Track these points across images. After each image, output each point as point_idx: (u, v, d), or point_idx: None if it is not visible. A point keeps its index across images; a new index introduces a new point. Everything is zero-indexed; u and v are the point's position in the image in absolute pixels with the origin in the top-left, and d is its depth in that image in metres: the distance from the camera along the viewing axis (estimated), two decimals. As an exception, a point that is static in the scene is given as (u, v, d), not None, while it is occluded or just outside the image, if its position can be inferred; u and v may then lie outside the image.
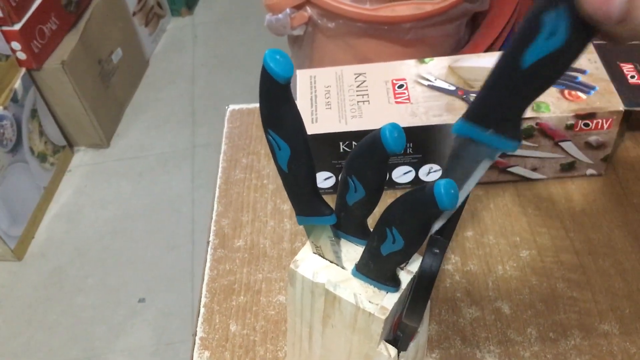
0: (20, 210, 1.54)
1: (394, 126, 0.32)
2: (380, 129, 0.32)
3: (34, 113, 1.57)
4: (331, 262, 0.40)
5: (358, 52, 1.06)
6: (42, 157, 1.63)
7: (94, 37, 1.73)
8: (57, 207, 1.68)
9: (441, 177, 0.32)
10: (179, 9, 2.21)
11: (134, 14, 1.95)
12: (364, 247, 0.39)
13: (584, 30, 0.26)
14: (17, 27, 1.46)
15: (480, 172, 0.33)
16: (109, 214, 1.66)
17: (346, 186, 0.36)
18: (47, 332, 1.42)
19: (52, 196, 1.68)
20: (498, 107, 0.31)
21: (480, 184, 0.61)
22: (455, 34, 1.08)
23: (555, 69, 0.28)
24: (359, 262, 0.38)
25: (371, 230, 0.39)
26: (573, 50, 0.27)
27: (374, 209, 0.37)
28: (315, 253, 0.41)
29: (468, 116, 0.32)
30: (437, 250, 0.32)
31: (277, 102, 0.32)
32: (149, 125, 1.89)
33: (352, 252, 0.40)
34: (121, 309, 1.45)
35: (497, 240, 0.57)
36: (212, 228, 0.60)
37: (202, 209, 1.65)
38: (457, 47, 1.10)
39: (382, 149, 0.32)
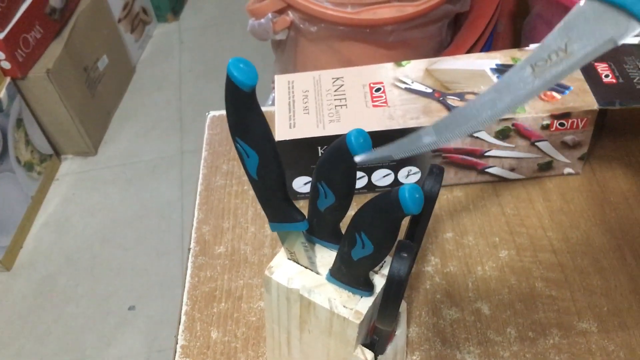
0: (8, 219, 1.54)
1: (359, 132, 0.32)
2: (345, 135, 0.32)
3: (19, 122, 1.57)
4: (305, 267, 0.40)
5: (341, 56, 1.07)
6: (28, 166, 1.62)
7: (79, 45, 1.73)
8: (45, 216, 1.67)
9: (524, 59, 0.28)
10: (164, 14, 2.21)
11: (119, 20, 1.95)
12: (336, 250, 0.39)
13: None
14: (0, 36, 1.45)
15: (589, 56, 0.27)
16: (98, 222, 1.66)
17: (316, 192, 0.36)
18: (38, 342, 1.41)
19: (39, 205, 1.68)
20: None
21: (458, 185, 0.61)
22: (438, 35, 1.09)
23: None
24: (332, 267, 0.38)
25: (341, 232, 0.39)
26: None
27: (345, 214, 0.37)
28: (289, 259, 0.41)
29: None
30: (405, 255, 0.33)
31: (243, 110, 0.32)
32: (137, 132, 1.89)
33: (327, 257, 0.41)
34: (111, 317, 1.45)
35: (477, 241, 0.57)
36: (193, 235, 0.60)
37: (191, 216, 1.64)
38: (440, 49, 1.11)
39: (349, 155, 0.32)
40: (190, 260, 0.58)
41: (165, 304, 1.46)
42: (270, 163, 0.34)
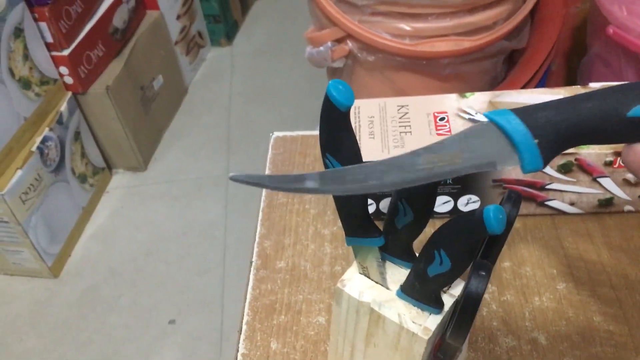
0: (59, 228, 1.59)
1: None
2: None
3: (77, 135, 1.63)
4: (376, 282, 0.42)
5: (396, 85, 1.09)
6: (82, 178, 1.68)
7: (138, 64, 1.79)
8: (93, 227, 1.72)
9: (424, 148, 0.31)
10: (218, 39, 2.28)
11: (176, 43, 2.02)
12: (408, 269, 0.41)
13: None
14: (66, 52, 1.52)
15: (472, 169, 0.30)
16: (143, 236, 1.70)
17: (396, 209, 0.38)
18: (79, 350, 1.45)
19: (89, 216, 1.73)
20: None
21: (518, 215, 0.62)
22: (492, 70, 1.10)
23: None
24: (404, 283, 0.40)
25: (416, 253, 0.41)
26: None
27: (420, 233, 0.39)
28: (361, 273, 0.43)
29: (519, 111, 0.30)
30: (484, 273, 0.34)
31: (336, 128, 0.34)
32: (186, 150, 1.94)
33: (397, 274, 0.42)
34: (152, 330, 1.47)
35: (534, 272, 0.58)
36: (255, 249, 0.62)
37: (234, 235, 1.68)
38: (494, 84, 1.12)
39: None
40: (252, 272, 0.60)
41: (204, 320, 1.48)
42: (356, 179, 0.36)
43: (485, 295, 0.56)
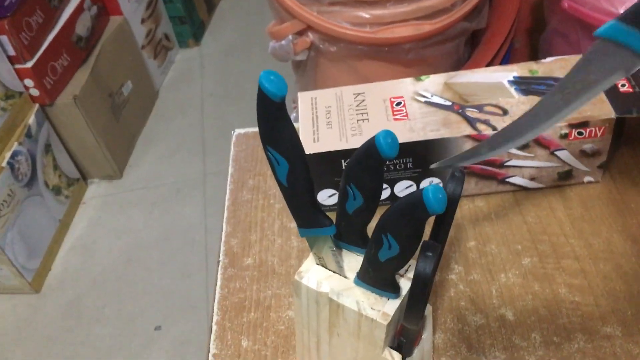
0: (37, 243, 1.57)
1: (387, 132, 0.34)
2: (374, 136, 0.34)
3: (47, 147, 1.61)
4: (334, 272, 0.42)
5: (360, 74, 1.09)
6: (56, 190, 1.66)
7: (105, 71, 1.78)
8: (72, 239, 1.70)
9: (556, 84, 0.32)
10: (186, 40, 2.26)
11: (143, 47, 2.00)
12: (363, 254, 0.40)
13: None
14: (29, 64, 1.50)
15: (605, 85, 0.31)
16: (124, 244, 1.69)
17: (345, 195, 0.38)
18: (66, 363, 1.44)
19: (67, 228, 1.71)
20: None
21: (480, 194, 0.63)
22: (455, 52, 1.10)
23: None
24: (359, 270, 0.40)
25: (368, 236, 0.41)
26: None
27: (372, 216, 0.39)
28: (318, 264, 0.43)
29: (625, 18, 0.29)
30: (430, 254, 0.34)
31: (273, 119, 0.34)
32: (160, 155, 1.93)
33: (354, 261, 0.42)
34: (138, 338, 1.47)
35: (499, 249, 0.58)
36: (222, 248, 0.62)
37: (215, 237, 1.67)
38: (457, 65, 1.12)
39: (377, 155, 0.34)
40: (219, 272, 0.60)
41: (190, 324, 1.48)
42: (299, 170, 0.36)
43: (452, 276, 0.56)
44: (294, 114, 1.33)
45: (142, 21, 1.98)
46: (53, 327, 1.51)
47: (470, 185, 0.62)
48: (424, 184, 0.61)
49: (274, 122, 0.34)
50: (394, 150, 0.33)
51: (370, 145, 0.33)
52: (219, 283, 0.59)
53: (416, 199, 0.31)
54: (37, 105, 1.57)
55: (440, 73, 1.07)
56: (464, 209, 0.62)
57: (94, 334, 1.49)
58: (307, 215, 0.39)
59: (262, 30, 1.19)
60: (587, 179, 0.62)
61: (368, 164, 0.35)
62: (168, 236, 1.70)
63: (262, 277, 0.59)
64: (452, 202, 0.36)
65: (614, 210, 0.59)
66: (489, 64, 1.09)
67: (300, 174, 0.36)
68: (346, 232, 0.41)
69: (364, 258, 0.39)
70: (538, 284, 0.55)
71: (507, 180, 0.61)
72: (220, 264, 0.61)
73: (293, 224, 0.63)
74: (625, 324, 0.51)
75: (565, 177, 0.61)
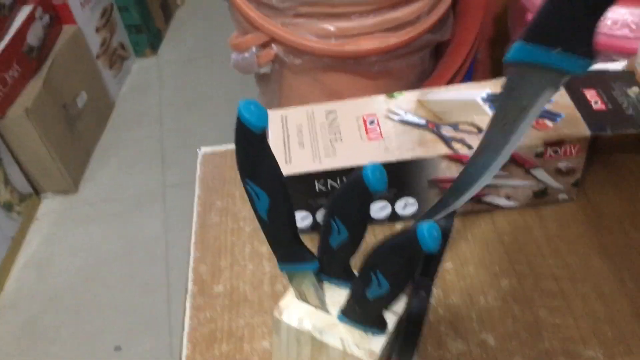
0: (-12, 262, 1.50)
1: (376, 167, 0.32)
2: (361, 169, 0.32)
3: (-2, 162, 1.54)
4: (315, 307, 0.40)
5: (326, 87, 1.07)
6: (8, 207, 1.59)
7: (58, 82, 1.72)
8: (26, 257, 1.64)
9: (491, 121, 0.30)
10: (142, 49, 2.21)
11: (98, 56, 1.95)
12: (347, 289, 0.38)
13: None
14: (-22, 76, 1.44)
15: (539, 107, 0.29)
16: (81, 261, 1.63)
17: (329, 229, 0.35)
18: (21, 388, 1.37)
19: (20, 246, 1.65)
20: (567, 19, 0.26)
21: (456, 215, 0.61)
22: (420, 64, 1.10)
23: None
24: (344, 306, 0.38)
25: (354, 272, 0.39)
26: None
27: (356, 250, 0.37)
28: (298, 299, 0.40)
29: (528, 37, 0.27)
30: (424, 293, 0.32)
31: (253, 151, 0.32)
32: (118, 167, 1.87)
33: (336, 295, 0.40)
34: (97, 358, 1.41)
35: (477, 271, 0.57)
36: (190, 275, 0.59)
37: (176, 251, 1.63)
38: (423, 77, 1.12)
39: (365, 190, 0.32)
40: (188, 301, 0.57)
41: (151, 343, 1.43)
42: (281, 204, 0.34)
43: (431, 300, 0.55)
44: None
45: (97, 30, 1.93)
46: (7, 348, 1.44)
47: (446, 204, 0.61)
48: (399, 204, 0.60)
49: (255, 155, 0.32)
50: (383, 185, 0.31)
51: (358, 180, 0.32)
52: (187, 313, 0.56)
53: (410, 237, 0.29)
54: (-14, 119, 1.50)
55: (406, 85, 1.06)
56: (440, 229, 0.60)
57: (51, 354, 1.43)
58: (289, 250, 0.36)
59: (222, 38, 1.16)
60: (561, 197, 0.61)
61: (355, 199, 0.33)
62: (127, 251, 1.65)
63: (233, 305, 0.56)
64: (444, 237, 0.35)
65: (590, 228, 0.59)
66: (454, 75, 1.09)
67: (282, 208, 0.34)
68: (328, 266, 0.39)
69: (349, 294, 0.37)
70: (518, 306, 0.54)
71: (483, 199, 0.60)
72: (189, 292, 0.58)
73: (264, 248, 0.61)
74: (606, 346, 0.51)
75: (540, 196, 0.61)
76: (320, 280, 0.40)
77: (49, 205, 1.77)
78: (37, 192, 1.75)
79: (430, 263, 0.36)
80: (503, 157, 0.31)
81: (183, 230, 1.74)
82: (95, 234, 1.69)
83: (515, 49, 0.28)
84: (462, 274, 0.57)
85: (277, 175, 0.33)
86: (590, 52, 0.26)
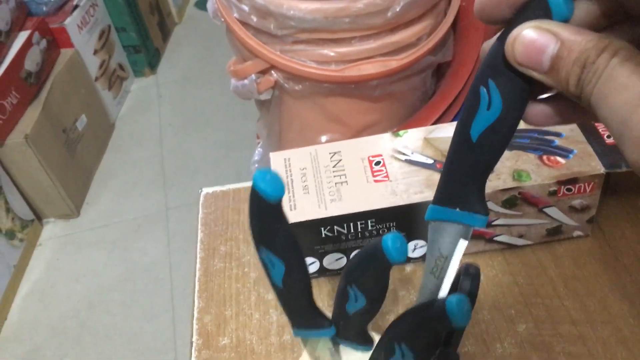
0: (-10, 293, 1.49)
1: (396, 236, 0.31)
2: (381, 239, 0.31)
3: (-2, 191, 1.53)
4: (330, 373, 0.38)
5: (327, 112, 1.05)
6: (10, 235, 1.58)
7: (57, 107, 1.70)
8: (28, 285, 1.62)
9: (423, 275, 0.33)
10: (141, 69, 2.20)
11: (96, 79, 1.93)
12: (364, 352, 0.37)
13: (518, 95, 0.28)
14: (-24, 105, 1.42)
15: (458, 255, 0.34)
16: (84, 288, 1.61)
17: (346, 296, 0.34)
18: (26, 422, 1.35)
19: (22, 274, 1.63)
20: (459, 185, 0.32)
21: (466, 254, 0.59)
22: (422, 85, 1.08)
23: (501, 138, 0.29)
24: None
25: (371, 335, 0.37)
26: (513, 115, 0.29)
27: (374, 317, 0.35)
28: (311, 366, 0.39)
29: (436, 200, 0.33)
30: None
31: (269, 220, 0.30)
32: (119, 190, 1.86)
33: (352, 358, 0.38)
34: (103, 389, 1.40)
35: (492, 316, 0.55)
36: (195, 326, 0.57)
37: (180, 274, 1.61)
38: (425, 99, 1.10)
39: (385, 260, 0.31)
40: (193, 355, 0.55)
41: (158, 370, 1.42)
42: (297, 271, 0.32)
43: None
44: (259, 150, 1.29)
45: (95, 52, 1.91)
46: (11, 382, 1.43)
47: (457, 245, 0.59)
48: (409, 246, 0.58)
49: (270, 224, 0.30)
50: (403, 256, 0.30)
51: (377, 250, 0.30)
52: (193, 368, 0.54)
53: (439, 311, 0.28)
54: (-15, 147, 1.49)
55: (408, 107, 1.05)
56: (451, 270, 0.58)
57: (56, 386, 1.41)
58: (305, 316, 0.35)
59: (220, 56, 1.15)
60: (576, 233, 0.59)
61: (373, 268, 0.31)
62: (130, 276, 1.63)
63: (240, 358, 0.55)
64: (472, 301, 0.33)
65: (607, 267, 0.57)
66: (457, 96, 1.07)
67: (297, 275, 0.33)
68: (344, 330, 0.37)
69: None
70: (536, 353, 0.52)
71: (495, 239, 0.58)
72: (194, 345, 0.56)
73: (270, 296, 0.59)
74: (629, 396, 0.49)
75: (554, 233, 0.59)
76: (336, 344, 0.38)
77: (52, 231, 1.75)
78: (39, 218, 1.74)
79: (453, 332, 0.34)
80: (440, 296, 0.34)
81: (187, 254, 1.73)
82: (98, 259, 1.68)
83: (429, 210, 0.33)
84: (477, 319, 0.55)
85: (292, 243, 0.32)
86: (483, 209, 0.32)
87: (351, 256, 0.57)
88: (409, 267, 0.59)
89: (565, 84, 0.25)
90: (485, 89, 0.28)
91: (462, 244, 0.33)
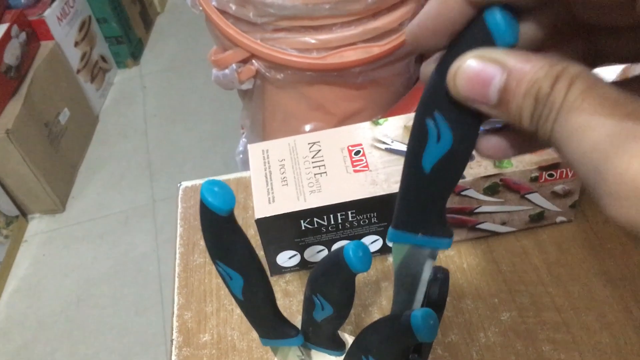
0: (-24, 291, 1.47)
1: (358, 245, 0.29)
2: (342, 249, 0.29)
3: (-19, 188, 1.51)
4: (303, 377, 0.37)
5: (310, 100, 1.04)
6: (-6, 232, 1.56)
7: (39, 101, 1.68)
8: (15, 281, 1.61)
9: (394, 288, 0.32)
10: (124, 60, 2.17)
11: (78, 71, 1.91)
12: (336, 356, 0.36)
13: (469, 126, 0.26)
14: (-46, 101, 1.40)
15: (426, 271, 0.33)
16: (72, 283, 1.60)
17: (312, 304, 0.33)
18: (17, 419, 1.34)
19: (9, 270, 1.61)
20: (417, 212, 0.30)
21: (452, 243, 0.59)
22: (406, 71, 1.07)
23: (456, 167, 0.28)
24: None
25: (342, 339, 0.36)
26: (465, 146, 0.27)
27: (343, 322, 0.34)
28: (285, 369, 0.38)
29: (396, 225, 0.31)
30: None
31: (221, 234, 0.29)
32: (105, 183, 1.84)
33: (325, 361, 0.37)
34: (93, 384, 1.39)
35: (476, 305, 0.54)
36: (175, 324, 0.56)
37: (168, 266, 1.60)
38: (409, 85, 1.09)
39: (347, 269, 0.29)
40: (174, 353, 0.54)
41: (149, 364, 1.41)
42: (256, 283, 0.31)
43: None
44: (243, 140, 1.27)
45: (76, 44, 1.88)
46: (0, 380, 1.42)
47: (439, 233, 0.58)
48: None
49: (223, 237, 0.29)
50: (366, 265, 0.29)
51: (339, 259, 0.29)
52: (174, 366, 0.53)
53: (404, 325, 0.27)
54: (-35, 144, 1.47)
55: (392, 94, 1.03)
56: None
57: (46, 383, 1.40)
58: (270, 326, 0.34)
59: (204, 44, 1.13)
60: (559, 219, 0.58)
61: (337, 278, 0.30)
62: (119, 270, 1.62)
63: (221, 355, 0.54)
64: (440, 310, 0.32)
65: (590, 252, 0.56)
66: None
67: (258, 287, 0.31)
68: (314, 336, 0.36)
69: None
70: (520, 342, 0.51)
71: (478, 227, 0.58)
72: (174, 343, 0.55)
73: (252, 290, 0.58)
74: (614, 382, 0.48)
75: (537, 219, 0.58)
76: (306, 348, 0.37)
77: (37, 227, 1.73)
78: (23, 213, 1.72)
79: (422, 344, 0.33)
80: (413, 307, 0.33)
81: (175, 246, 1.71)
82: (85, 253, 1.66)
83: (390, 234, 0.32)
84: (460, 309, 0.54)
85: (248, 255, 0.30)
86: (447, 232, 0.30)
87: (323, 256, 0.56)
88: (390, 258, 0.59)
89: (518, 119, 0.22)
90: (432, 122, 0.25)
91: (430, 263, 0.32)
